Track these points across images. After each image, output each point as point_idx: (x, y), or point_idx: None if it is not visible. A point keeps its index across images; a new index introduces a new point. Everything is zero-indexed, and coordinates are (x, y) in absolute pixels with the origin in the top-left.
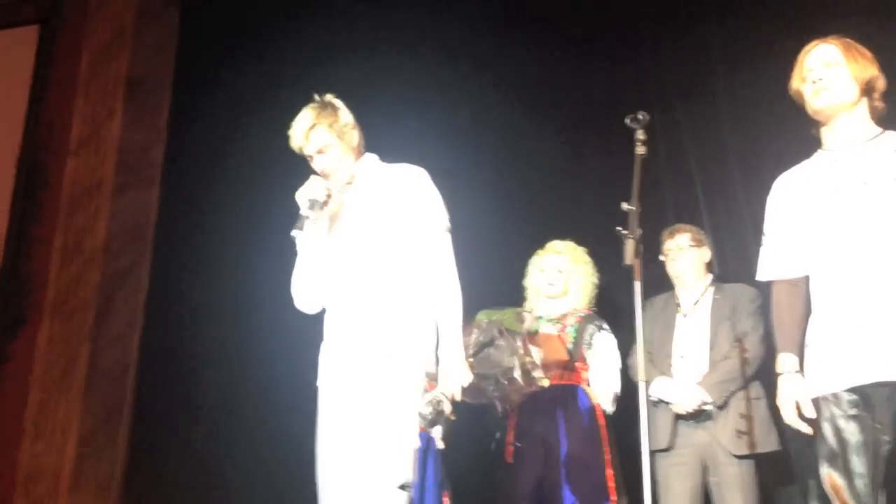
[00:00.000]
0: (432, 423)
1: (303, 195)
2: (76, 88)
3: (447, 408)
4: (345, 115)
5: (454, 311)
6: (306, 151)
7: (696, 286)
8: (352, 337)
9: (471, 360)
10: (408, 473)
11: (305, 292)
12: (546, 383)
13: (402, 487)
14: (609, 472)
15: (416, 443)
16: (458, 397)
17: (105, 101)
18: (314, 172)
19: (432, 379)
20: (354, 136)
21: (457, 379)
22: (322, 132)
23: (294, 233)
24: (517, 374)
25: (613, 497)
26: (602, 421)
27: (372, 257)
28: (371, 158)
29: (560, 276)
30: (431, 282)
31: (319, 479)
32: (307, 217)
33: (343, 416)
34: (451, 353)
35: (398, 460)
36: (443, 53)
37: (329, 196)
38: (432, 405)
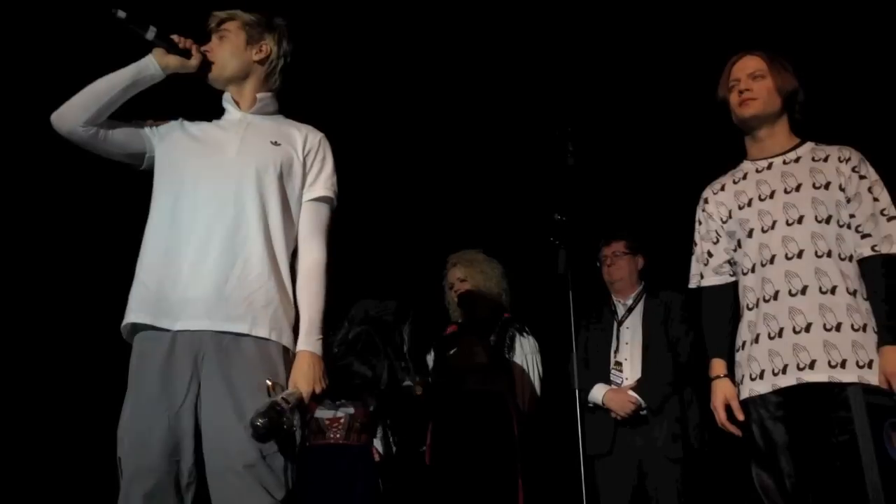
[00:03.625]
0: (266, 437)
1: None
2: None
3: (288, 421)
4: (274, 35)
5: (316, 292)
6: (211, 22)
7: (629, 293)
8: (203, 277)
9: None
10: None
11: (95, 110)
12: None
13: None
14: (520, 482)
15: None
16: (307, 401)
17: None
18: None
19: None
20: (264, 51)
21: (309, 380)
22: (234, 19)
23: (151, 37)
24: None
25: None
26: (517, 431)
27: (251, 188)
28: (274, 104)
29: (465, 284)
30: (301, 251)
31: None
32: (158, 41)
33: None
34: (305, 346)
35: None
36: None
37: (188, 49)
38: (268, 415)
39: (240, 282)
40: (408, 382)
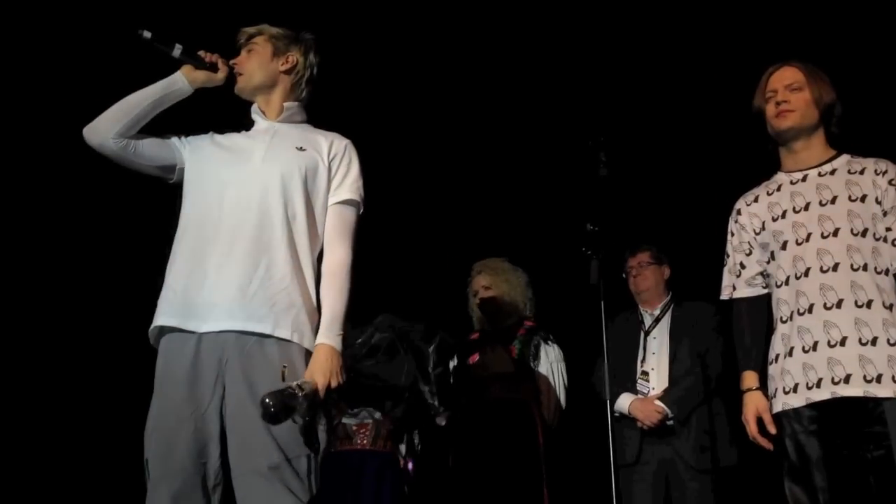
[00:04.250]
0: (277, 418)
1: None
2: None
3: (300, 407)
4: (300, 48)
5: (338, 290)
6: (240, 38)
7: (656, 303)
8: (227, 280)
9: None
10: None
11: (126, 122)
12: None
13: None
14: (545, 492)
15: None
16: (321, 393)
17: None
18: None
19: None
20: (290, 62)
21: (325, 372)
22: (262, 34)
23: (178, 54)
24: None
25: None
26: (542, 440)
27: (276, 193)
28: (301, 114)
29: (489, 291)
30: (325, 252)
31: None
32: (185, 57)
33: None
34: (325, 340)
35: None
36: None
37: (214, 63)
38: (278, 395)
39: (262, 283)
40: (434, 410)
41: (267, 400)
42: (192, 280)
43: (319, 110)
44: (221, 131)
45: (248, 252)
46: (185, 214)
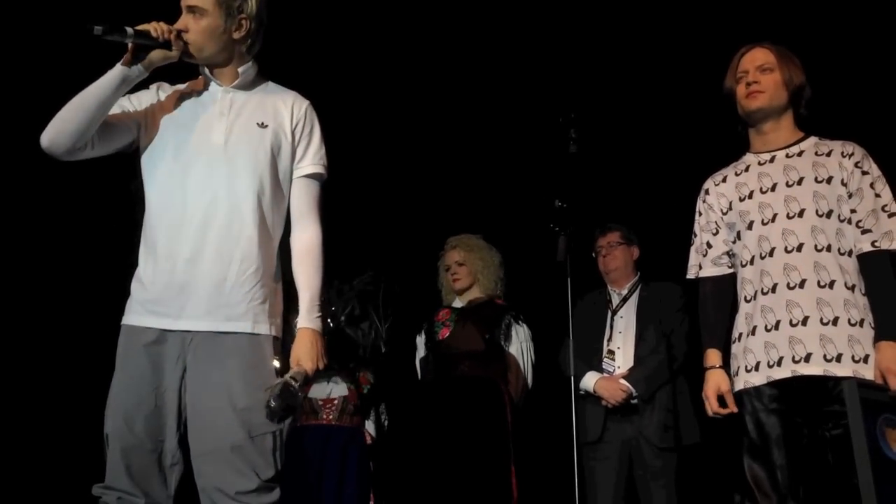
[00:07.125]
0: (282, 417)
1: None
2: None
3: (299, 400)
4: (249, 6)
5: (314, 270)
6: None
7: (624, 283)
8: (202, 277)
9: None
10: (267, 467)
11: (89, 130)
12: None
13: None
14: (513, 469)
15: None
16: (310, 376)
17: None
18: None
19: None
20: (244, 27)
21: (312, 357)
22: None
23: (131, 40)
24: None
25: (515, 494)
26: (510, 418)
27: (245, 178)
28: (254, 70)
29: (462, 267)
30: (296, 229)
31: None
32: (139, 41)
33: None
34: (307, 324)
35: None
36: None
37: (168, 41)
38: (282, 396)
39: (238, 278)
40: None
41: (273, 404)
42: (162, 274)
43: (285, 75)
44: (168, 88)
45: (219, 244)
46: (149, 197)
